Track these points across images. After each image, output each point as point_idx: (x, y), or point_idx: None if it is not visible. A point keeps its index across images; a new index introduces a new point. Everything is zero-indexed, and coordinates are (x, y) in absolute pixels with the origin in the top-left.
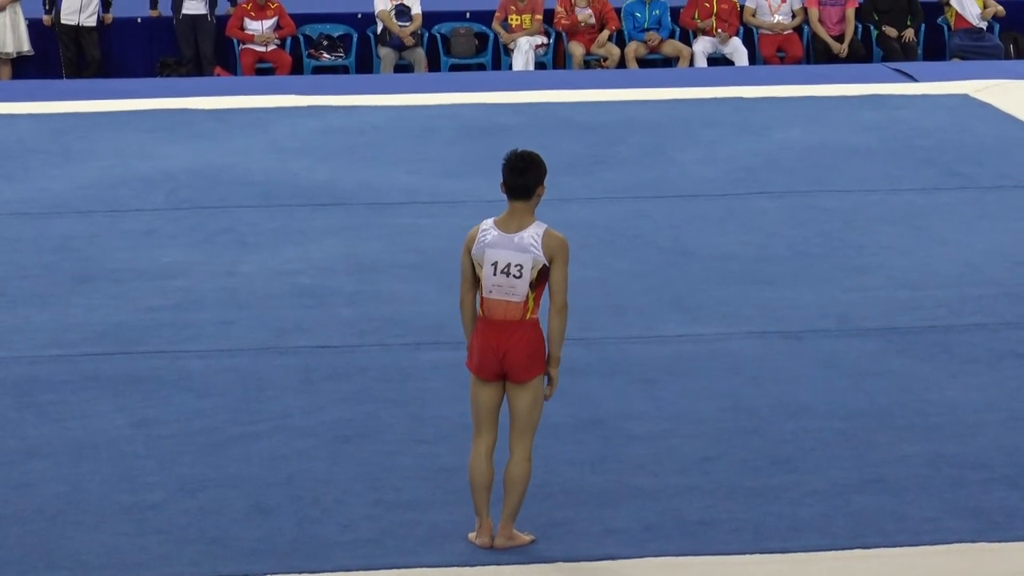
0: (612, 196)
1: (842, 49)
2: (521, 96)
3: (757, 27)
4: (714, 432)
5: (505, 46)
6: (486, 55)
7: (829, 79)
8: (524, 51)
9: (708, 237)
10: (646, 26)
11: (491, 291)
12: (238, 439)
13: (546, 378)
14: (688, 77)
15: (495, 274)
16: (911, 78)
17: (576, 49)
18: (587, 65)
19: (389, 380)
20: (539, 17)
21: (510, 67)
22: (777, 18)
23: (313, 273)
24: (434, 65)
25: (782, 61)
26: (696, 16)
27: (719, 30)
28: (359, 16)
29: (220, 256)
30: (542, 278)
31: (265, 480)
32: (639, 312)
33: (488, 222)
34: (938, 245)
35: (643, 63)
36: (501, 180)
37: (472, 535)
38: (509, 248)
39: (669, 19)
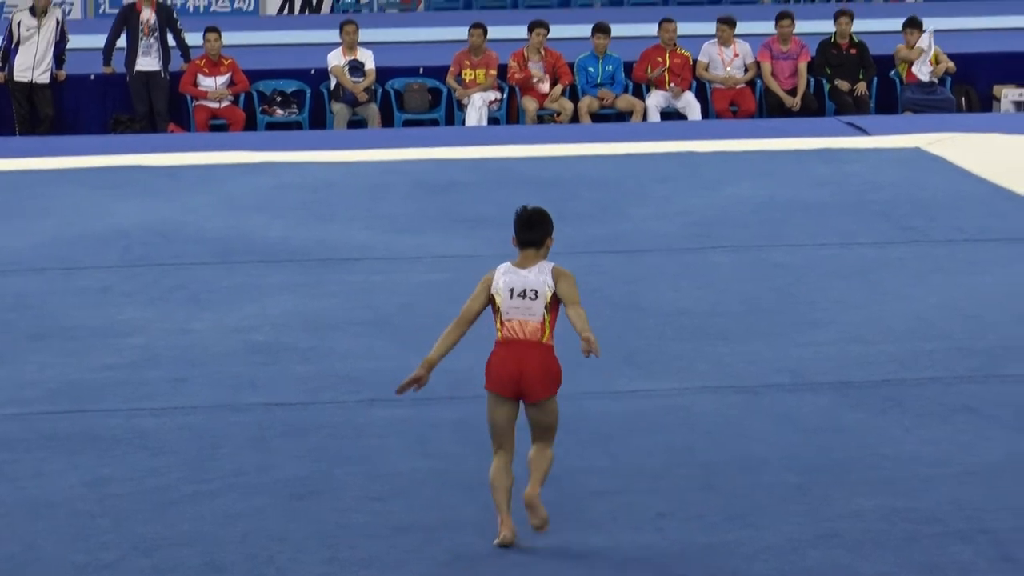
0: (566, 251)
1: (795, 103)
2: (475, 151)
3: (710, 81)
4: (669, 488)
5: (459, 101)
6: (440, 110)
7: (782, 133)
8: (478, 106)
9: (662, 292)
10: (599, 81)
11: (509, 313)
12: (192, 497)
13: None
14: (641, 132)
15: (512, 298)
16: (863, 132)
17: (529, 104)
18: (540, 120)
19: (344, 437)
20: (493, 72)
21: (464, 122)
22: (730, 72)
23: (267, 330)
24: (388, 120)
25: (735, 115)
26: (649, 70)
27: (672, 84)
28: (312, 72)
29: (174, 313)
30: (555, 305)
31: (219, 538)
32: (593, 367)
33: (505, 264)
34: (891, 299)
35: (596, 118)
36: (513, 235)
37: (496, 540)
38: (524, 278)
39: (622, 74)
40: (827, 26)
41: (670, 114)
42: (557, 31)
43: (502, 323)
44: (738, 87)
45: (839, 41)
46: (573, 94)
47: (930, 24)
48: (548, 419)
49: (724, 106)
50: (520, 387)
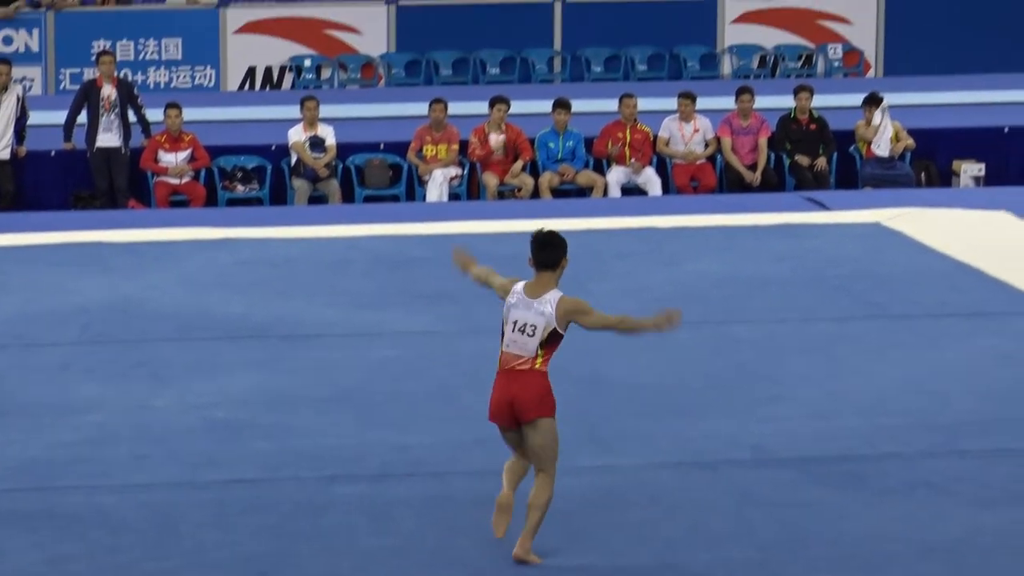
0: None
1: (755, 178)
2: (435, 227)
3: (670, 156)
4: (630, 565)
5: (419, 177)
6: (400, 186)
7: (742, 208)
8: (439, 182)
9: (623, 367)
10: (560, 157)
11: (508, 345)
12: (152, 575)
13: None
14: (602, 207)
15: (513, 331)
16: (823, 207)
17: (490, 180)
18: (501, 196)
19: (304, 514)
20: (454, 148)
21: (425, 198)
22: (690, 147)
23: (228, 406)
24: (348, 196)
25: (695, 191)
26: (609, 146)
27: (632, 160)
28: (273, 148)
29: (134, 390)
30: (552, 340)
31: None
32: None
33: (520, 285)
34: (851, 374)
35: (557, 193)
36: (529, 255)
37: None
38: (529, 310)
39: (583, 149)
40: (787, 101)
41: (631, 190)
42: (518, 107)
43: (502, 351)
44: (699, 162)
45: (799, 116)
46: (534, 170)
47: (891, 99)
48: (543, 439)
49: (685, 181)
50: (513, 411)
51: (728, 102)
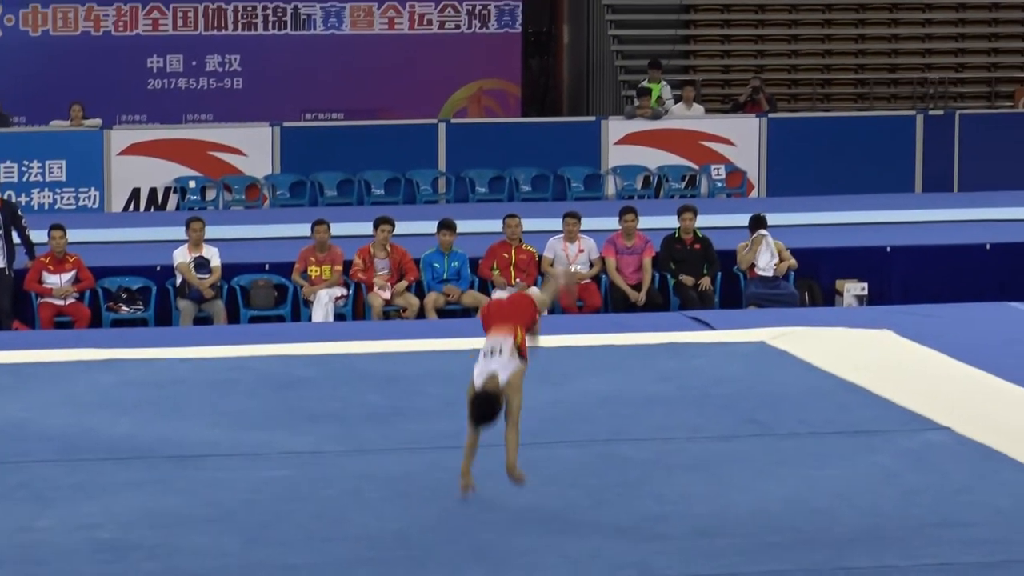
0: (412, 447)
1: (640, 298)
2: (321, 347)
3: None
4: None
5: (305, 298)
6: (286, 307)
7: (627, 328)
8: (324, 302)
9: (509, 487)
10: (445, 277)
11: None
12: None
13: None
14: None
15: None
16: (708, 326)
17: (375, 300)
18: (387, 316)
19: None
20: (339, 268)
21: (310, 318)
22: (575, 267)
23: (113, 527)
24: (233, 317)
25: (581, 310)
26: (494, 267)
27: (517, 280)
28: (158, 269)
29: (17, 512)
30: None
31: None
32: (440, 564)
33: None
34: (737, 492)
35: (442, 313)
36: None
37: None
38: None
39: (468, 270)
40: (671, 222)
41: None
42: (403, 227)
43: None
44: (583, 282)
45: (683, 236)
46: (419, 290)
47: (773, 219)
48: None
49: (570, 301)
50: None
51: (612, 222)
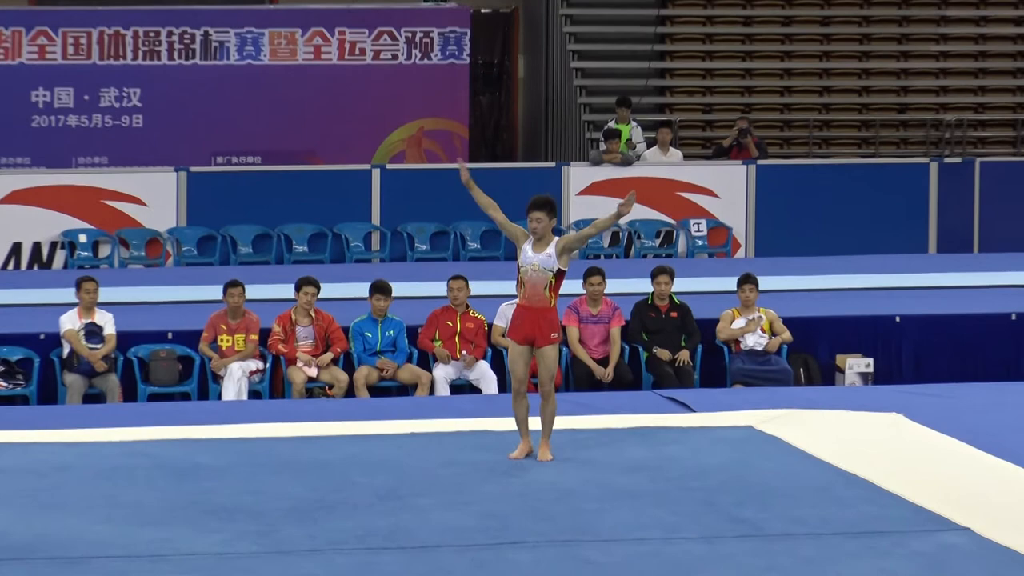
0: (339, 548)
1: (606, 374)
2: (232, 430)
3: (507, 348)
4: None
5: (214, 372)
6: (192, 382)
7: (592, 409)
8: (236, 378)
9: None
10: (378, 348)
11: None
12: None
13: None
14: (428, 407)
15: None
16: (687, 408)
17: (296, 375)
18: (310, 394)
19: None
20: (254, 338)
21: (220, 396)
22: None
23: None
24: (130, 394)
25: (536, 387)
26: (436, 337)
27: (463, 352)
28: (42, 337)
29: None
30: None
31: None
32: None
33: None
34: None
35: (376, 391)
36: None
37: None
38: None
39: (405, 340)
40: (643, 285)
41: (462, 387)
42: (329, 290)
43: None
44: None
45: (657, 303)
46: (348, 364)
47: (764, 283)
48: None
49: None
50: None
51: (575, 286)
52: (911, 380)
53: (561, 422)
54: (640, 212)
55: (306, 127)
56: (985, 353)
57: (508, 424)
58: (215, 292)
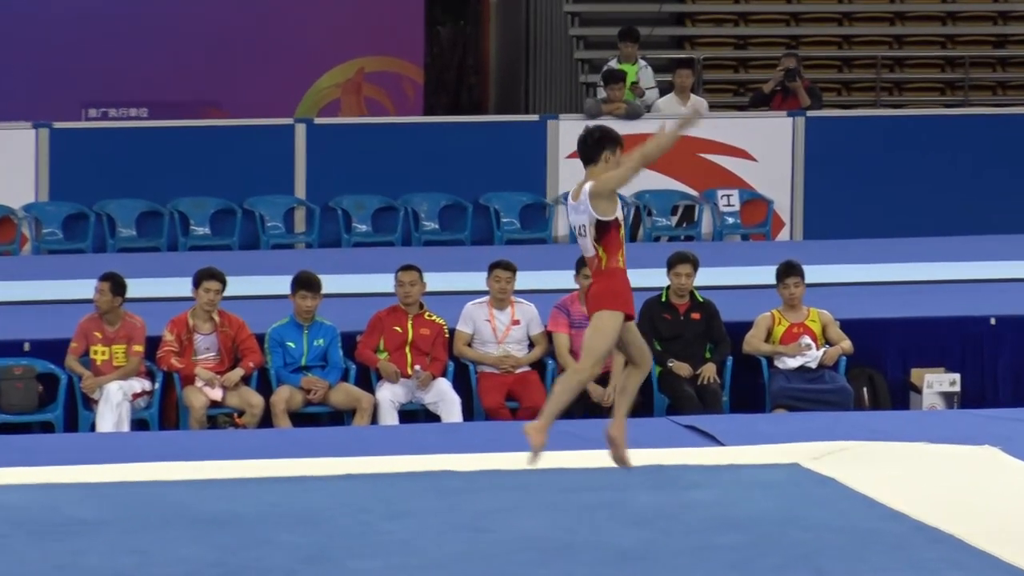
0: None
1: (607, 395)
2: (110, 472)
3: (475, 362)
4: None
5: (85, 395)
6: (56, 408)
7: (588, 442)
8: (115, 402)
9: None
10: (304, 363)
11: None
12: None
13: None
14: (369, 441)
15: (578, 236)
16: (714, 440)
17: (195, 398)
18: (213, 422)
19: None
20: (138, 350)
21: (93, 427)
22: (506, 348)
23: None
24: None
25: (514, 414)
26: (381, 348)
27: (416, 367)
28: None
29: None
30: (602, 231)
31: None
32: None
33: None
34: None
35: (300, 418)
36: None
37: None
38: (576, 213)
39: (340, 352)
40: (656, 278)
41: (414, 412)
42: (238, 285)
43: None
44: (519, 371)
45: (675, 301)
46: (264, 382)
47: (813, 274)
48: (591, 331)
49: (498, 400)
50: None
51: (565, 279)
52: (1010, 403)
53: (545, 460)
54: (651, 180)
55: (208, 71)
56: None
57: (476, 462)
58: (87, 289)
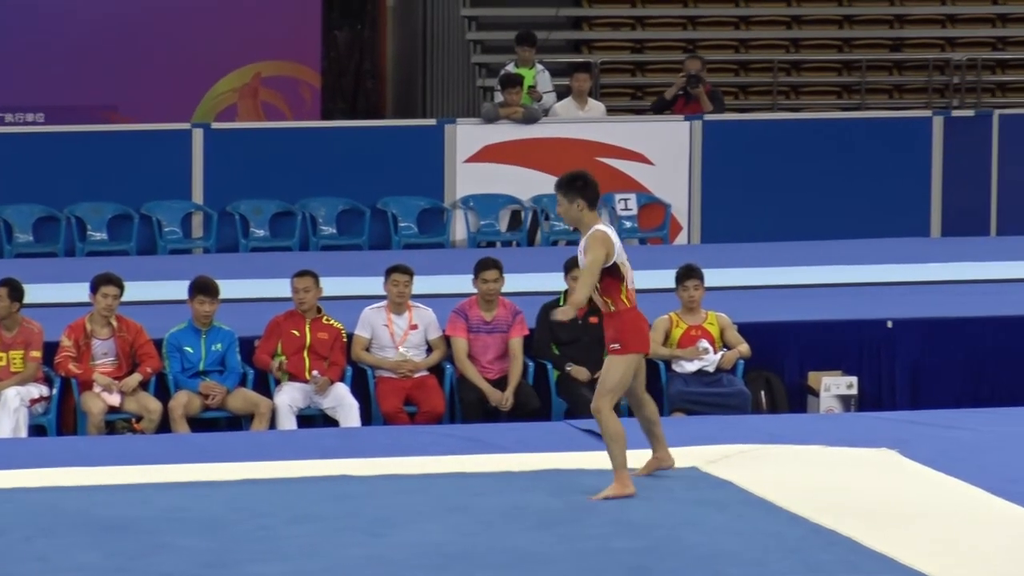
0: None
1: (504, 399)
2: (6, 478)
3: (373, 367)
4: None
5: None
6: None
7: (485, 446)
8: (12, 408)
9: None
10: (202, 368)
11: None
12: None
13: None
14: (268, 445)
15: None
16: None
17: (93, 404)
18: (111, 428)
19: None
20: (35, 355)
21: None
22: (404, 352)
23: None
24: None
25: (413, 419)
26: (279, 352)
27: (314, 372)
28: None
29: None
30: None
31: None
32: None
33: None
34: None
35: (199, 423)
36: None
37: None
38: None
39: (237, 357)
40: (554, 282)
41: (312, 417)
42: (135, 291)
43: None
44: (417, 375)
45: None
46: (162, 388)
47: (712, 278)
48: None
49: (396, 405)
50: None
51: (462, 283)
52: (907, 405)
53: (443, 464)
54: (548, 184)
55: (104, 74)
56: (1003, 369)
57: (375, 466)
58: None
